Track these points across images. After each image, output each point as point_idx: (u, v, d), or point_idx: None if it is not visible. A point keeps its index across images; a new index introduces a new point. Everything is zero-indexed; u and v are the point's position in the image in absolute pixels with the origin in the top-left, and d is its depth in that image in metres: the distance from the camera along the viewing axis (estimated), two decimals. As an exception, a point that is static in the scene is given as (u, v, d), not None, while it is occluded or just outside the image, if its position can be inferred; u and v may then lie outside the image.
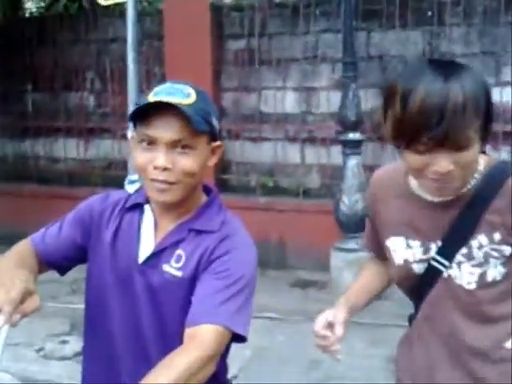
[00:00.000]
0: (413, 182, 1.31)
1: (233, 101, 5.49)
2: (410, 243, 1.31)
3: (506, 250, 1.23)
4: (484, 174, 1.25)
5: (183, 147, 1.24)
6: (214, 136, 1.30)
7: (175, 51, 5.27)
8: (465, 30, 5.00)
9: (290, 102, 5.36)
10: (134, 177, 1.34)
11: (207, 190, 1.38)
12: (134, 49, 3.93)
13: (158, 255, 1.30)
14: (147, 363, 1.22)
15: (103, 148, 6.05)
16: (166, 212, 1.31)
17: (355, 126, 4.66)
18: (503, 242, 1.23)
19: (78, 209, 1.41)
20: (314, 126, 5.14)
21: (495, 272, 1.23)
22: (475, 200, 1.24)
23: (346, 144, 4.69)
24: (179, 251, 1.29)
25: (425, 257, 1.29)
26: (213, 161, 1.32)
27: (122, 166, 5.80)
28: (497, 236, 1.23)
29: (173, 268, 1.28)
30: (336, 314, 1.43)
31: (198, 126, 1.23)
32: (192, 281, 1.27)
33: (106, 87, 5.99)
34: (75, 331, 3.81)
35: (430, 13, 5.06)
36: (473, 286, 1.25)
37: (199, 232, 1.30)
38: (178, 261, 1.28)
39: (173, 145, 1.23)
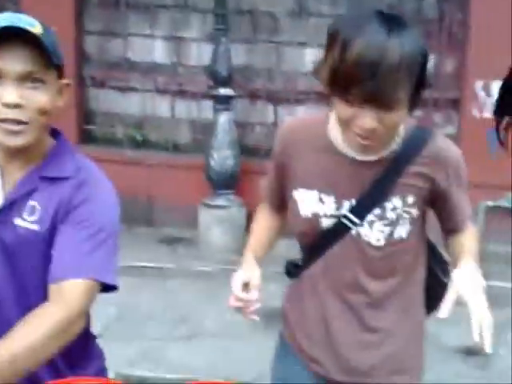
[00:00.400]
0: (334, 137, 1.31)
1: (97, 46, 5.19)
2: (322, 198, 1.32)
3: (416, 212, 1.31)
4: (403, 139, 1.29)
5: (34, 81, 1.14)
6: (61, 73, 1.21)
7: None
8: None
9: (159, 52, 5.17)
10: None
11: (54, 134, 1.27)
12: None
13: (7, 208, 1.19)
14: (5, 325, 1.14)
15: None
16: (11, 159, 1.20)
17: (226, 82, 4.66)
18: (415, 205, 1.30)
19: None
20: (184, 79, 5.03)
21: (402, 230, 1.31)
22: (393, 164, 1.29)
23: (217, 99, 4.67)
24: (32, 202, 1.19)
25: (336, 213, 1.32)
26: (61, 101, 1.22)
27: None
28: (410, 199, 1.30)
29: (26, 221, 1.19)
30: (251, 274, 1.41)
31: (54, 57, 1.14)
32: (50, 233, 1.18)
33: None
34: None
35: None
36: (381, 243, 1.31)
37: (53, 179, 1.20)
38: (31, 213, 1.19)
39: (23, 78, 1.12)
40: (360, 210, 1.30)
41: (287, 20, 5.13)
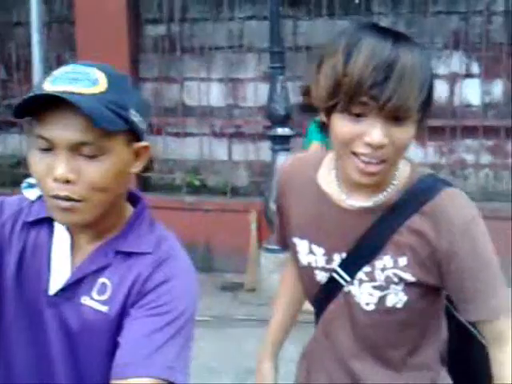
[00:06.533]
0: (322, 180, 1.25)
1: (153, 92, 5.51)
2: (313, 249, 1.25)
3: (411, 279, 1.17)
4: (406, 187, 1.17)
5: (90, 152, 1.01)
6: (136, 134, 1.07)
7: (87, 36, 5.24)
8: (392, 20, 5.28)
9: (214, 95, 5.44)
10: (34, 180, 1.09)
11: (134, 199, 1.17)
12: (39, 31, 3.92)
13: (75, 285, 1.10)
14: None
15: (10, 144, 5.99)
16: (83, 230, 1.11)
17: (284, 121, 4.77)
18: (407, 269, 1.16)
19: None
20: (241, 121, 5.25)
21: (396, 299, 1.18)
22: (388, 215, 1.16)
23: (275, 139, 4.80)
24: (103, 280, 1.10)
25: (327, 266, 1.23)
26: (138, 166, 1.09)
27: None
28: (403, 261, 1.16)
29: (95, 301, 1.09)
30: (265, 377, 1.49)
31: (108, 124, 1.00)
32: (120, 317, 1.08)
33: (12, 76, 5.92)
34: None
35: (357, 1, 5.32)
36: (371, 308, 1.20)
37: (128, 254, 1.11)
38: (101, 292, 1.10)
39: (75, 148, 1.01)
40: (350, 266, 1.20)
41: (345, 53, 5.30)
